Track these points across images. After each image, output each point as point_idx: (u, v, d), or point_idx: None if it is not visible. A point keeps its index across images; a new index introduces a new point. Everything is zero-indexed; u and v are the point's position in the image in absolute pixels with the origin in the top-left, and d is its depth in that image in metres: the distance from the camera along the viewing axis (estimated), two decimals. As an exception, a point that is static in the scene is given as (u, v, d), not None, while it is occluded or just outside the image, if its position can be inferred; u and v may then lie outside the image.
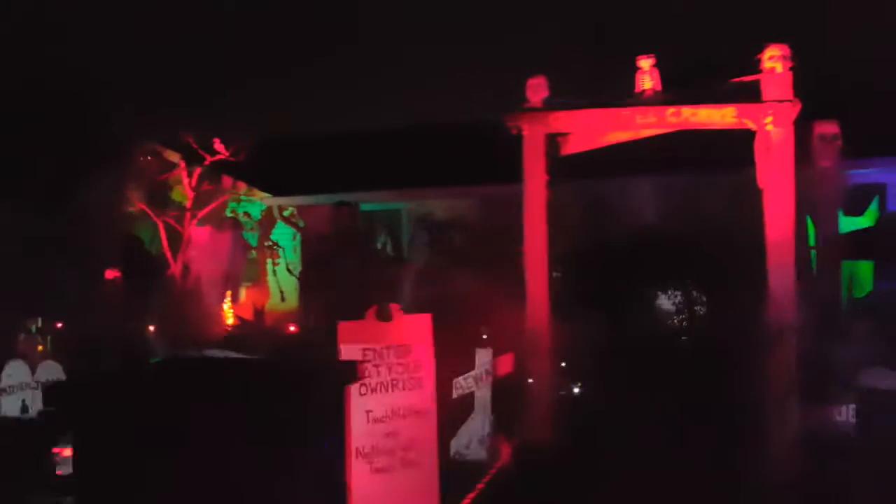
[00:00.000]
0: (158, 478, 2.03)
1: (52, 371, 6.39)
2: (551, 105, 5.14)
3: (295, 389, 2.22)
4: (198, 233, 10.51)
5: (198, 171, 10.17)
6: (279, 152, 11.87)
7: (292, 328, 10.83)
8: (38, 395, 6.08)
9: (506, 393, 5.29)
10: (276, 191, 12.37)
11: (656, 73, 5.13)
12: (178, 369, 2.68)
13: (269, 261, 12.05)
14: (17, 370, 6.43)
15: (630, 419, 5.15)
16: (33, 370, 6.25)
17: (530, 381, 5.23)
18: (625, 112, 5.06)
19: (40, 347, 8.73)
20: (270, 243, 11.96)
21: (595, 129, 5.28)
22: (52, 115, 10.65)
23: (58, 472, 3.71)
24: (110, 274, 8.64)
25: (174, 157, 11.47)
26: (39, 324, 8.77)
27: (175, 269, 9.86)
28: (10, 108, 10.15)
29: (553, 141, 5.31)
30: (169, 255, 10.00)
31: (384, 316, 4.22)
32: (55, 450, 3.71)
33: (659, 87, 5.12)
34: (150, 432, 2.03)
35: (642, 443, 4.79)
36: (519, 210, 10.39)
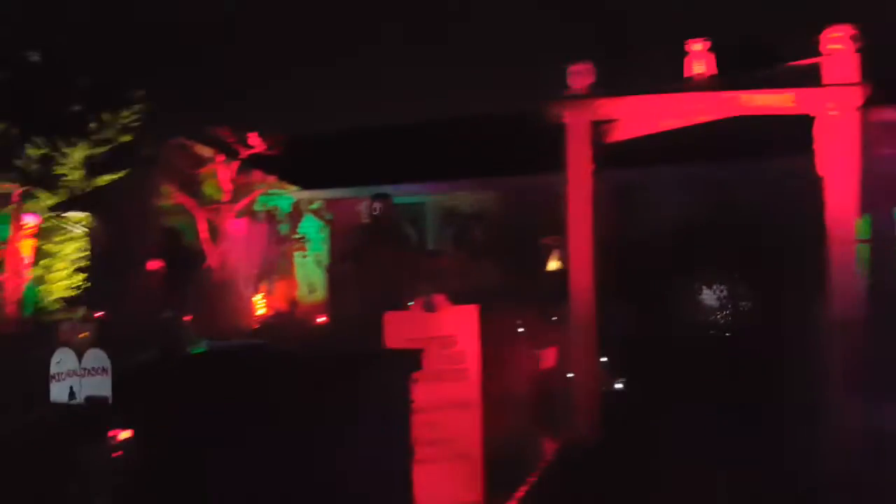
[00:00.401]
0: (227, 463, 1.96)
1: (98, 359, 6.39)
2: (596, 92, 4.99)
3: (368, 377, 2.15)
4: (234, 225, 10.56)
5: (235, 164, 10.21)
6: (305, 146, 11.85)
7: (321, 319, 10.84)
8: (86, 381, 6.12)
9: (547, 388, 5.17)
10: (303, 184, 12.35)
11: (710, 57, 4.95)
12: (245, 357, 2.62)
13: (296, 253, 12.07)
14: (65, 358, 6.45)
15: (678, 416, 5.01)
16: (80, 358, 6.30)
17: (572, 375, 5.10)
18: (677, 98, 4.90)
19: (83, 336, 8.83)
20: (299, 236, 11.95)
21: (644, 115, 5.12)
22: (79, 108, 10.65)
23: (113, 454, 3.65)
24: (152, 265, 8.69)
25: (206, 151, 11.52)
26: (83, 313, 8.85)
27: (213, 260, 9.91)
28: (35, 101, 10.19)
29: (597, 129, 5.16)
30: (207, 247, 10.06)
31: (430, 307, 4.15)
32: (111, 433, 3.66)
33: (712, 72, 4.94)
34: (223, 417, 1.96)
35: (692, 441, 4.65)
36: (549, 201, 10.29)
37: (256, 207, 11.56)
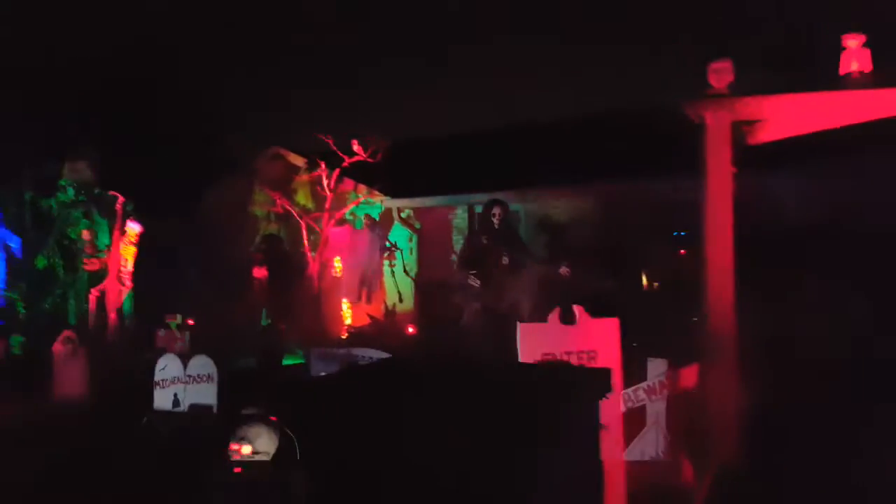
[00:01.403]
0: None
1: (203, 366, 6.39)
2: (740, 90, 4.65)
3: (571, 397, 1.95)
4: (334, 234, 10.61)
5: (336, 172, 10.23)
6: (394, 154, 11.79)
7: (411, 329, 10.72)
8: (190, 389, 6.11)
9: (686, 407, 4.81)
10: (393, 193, 12.29)
11: (866, 53, 4.55)
12: (446, 371, 2.45)
13: (386, 262, 12.00)
14: (171, 364, 6.49)
15: (824, 437, 4.57)
16: (185, 365, 6.29)
17: (714, 394, 4.73)
18: (830, 97, 4.51)
19: (178, 343, 8.96)
20: (389, 244, 11.89)
21: (793, 116, 4.73)
22: (175, 120, 10.93)
23: (235, 469, 3.48)
24: (258, 273, 8.75)
25: (299, 160, 11.65)
26: (179, 320, 8.99)
27: (313, 268, 9.95)
28: (132, 116, 10.47)
29: (739, 130, 4.80)
30: (309, 254, 10.11)
31: (568, 318, 3.88)
32: (232, 446, 3.49)
33: (868, 69, 4.54)
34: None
35: (847, 471, 4.22)
36: (650, 208, 9.87)
37: (347, 216, 11.56)
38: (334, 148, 10.04)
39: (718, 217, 4.66)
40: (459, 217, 12.29)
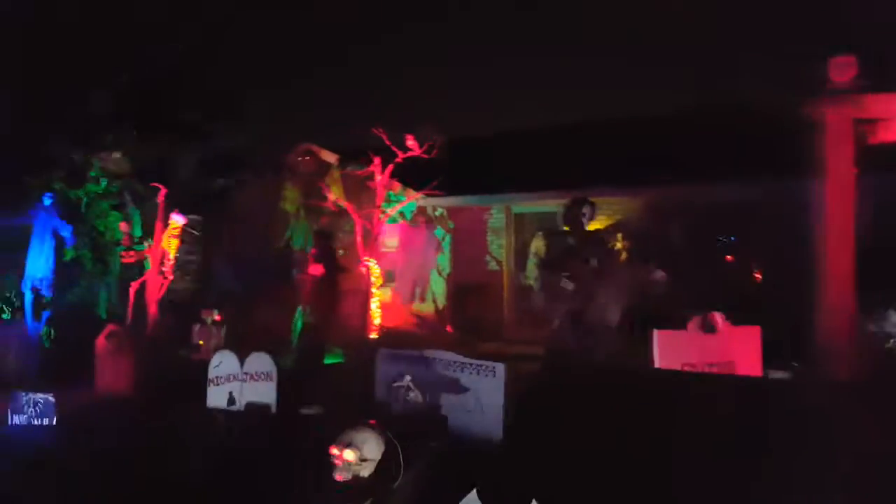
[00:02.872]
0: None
1: (262, 363, 6.11)
2: (864, 86, 4.41)
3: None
4: (388, 230, 10.34)
5: (390, 167, 9.92)
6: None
7: (448, 329, 10.49)
8: (247, 386, 5.83)
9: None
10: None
11: None
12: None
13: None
14: (226, 361, 6.21)
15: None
16: (241, 362, 6.01)
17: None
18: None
19: (213, 339, 8.67)
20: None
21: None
22: (210, 115, 10.63)
23: (337, 476, 3.19)
24: (314, 270, 8.46)
25: (330, 157, 11.37)
26: (216, 316, 8.71)
27: (363, 265, 9.66)
28: (169, 110, 10.18)
29: (859, 128, 4.57)
30: (361, 251, 9.81)
31: (708, 326, 3.62)
32: (333, 450, 3.20)
33: None
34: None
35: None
36: (696, 211, 9.59)
37: (398, 213, 11.29)
38: (388, 143, 9.73)
39: (839, 219, 4.41)
40: (495, 217, 12.02)
